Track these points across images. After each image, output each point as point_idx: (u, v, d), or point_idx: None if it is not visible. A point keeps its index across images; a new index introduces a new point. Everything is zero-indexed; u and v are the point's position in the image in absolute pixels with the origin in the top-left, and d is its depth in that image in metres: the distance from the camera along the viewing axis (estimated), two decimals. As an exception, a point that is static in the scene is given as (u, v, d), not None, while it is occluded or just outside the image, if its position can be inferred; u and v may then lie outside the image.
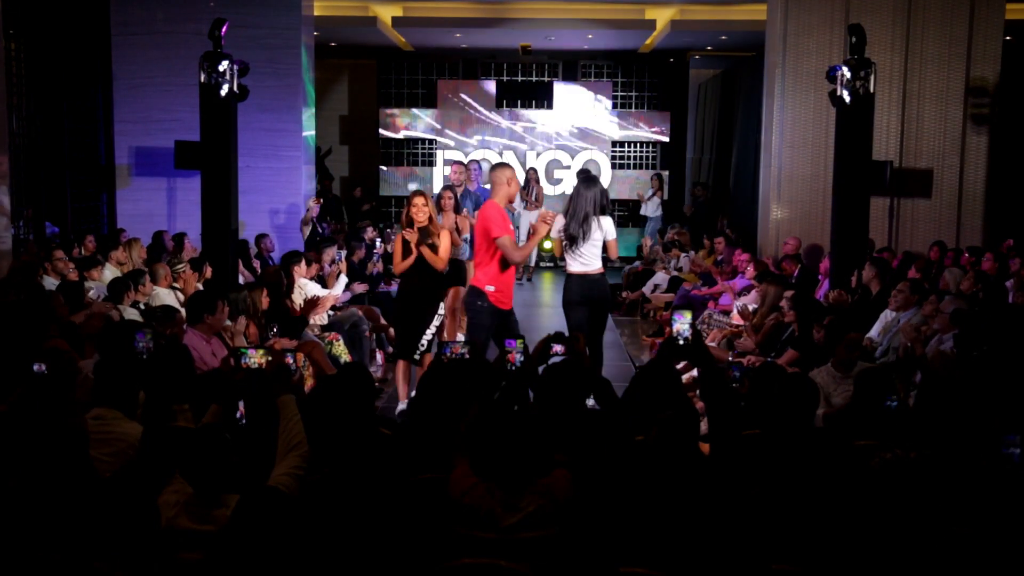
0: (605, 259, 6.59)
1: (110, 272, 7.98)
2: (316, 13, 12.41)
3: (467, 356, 4.23)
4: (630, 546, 3.11)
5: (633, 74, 17.16)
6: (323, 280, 8.64)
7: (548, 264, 15.86)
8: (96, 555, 2.83)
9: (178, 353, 4.42)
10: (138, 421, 3.99)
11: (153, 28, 11.11)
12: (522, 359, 4.11)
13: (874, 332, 6.81)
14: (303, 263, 8.05)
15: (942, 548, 3.05)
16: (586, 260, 6.50)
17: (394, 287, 10.06)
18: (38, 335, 5.34)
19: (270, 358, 3.67)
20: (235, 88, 8.08)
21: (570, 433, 3.77)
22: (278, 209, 11.54)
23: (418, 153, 17.15)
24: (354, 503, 3.26)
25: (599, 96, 16.92)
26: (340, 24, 13.77)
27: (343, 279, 8.48)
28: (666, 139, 17.04)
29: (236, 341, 6.07)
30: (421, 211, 6.67)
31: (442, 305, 7.02)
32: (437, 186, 15.38)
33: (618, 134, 16.93)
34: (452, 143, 16.85)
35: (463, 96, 16.90)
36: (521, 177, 14.06)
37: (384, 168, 17.01)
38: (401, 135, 16.94)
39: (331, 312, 7.90)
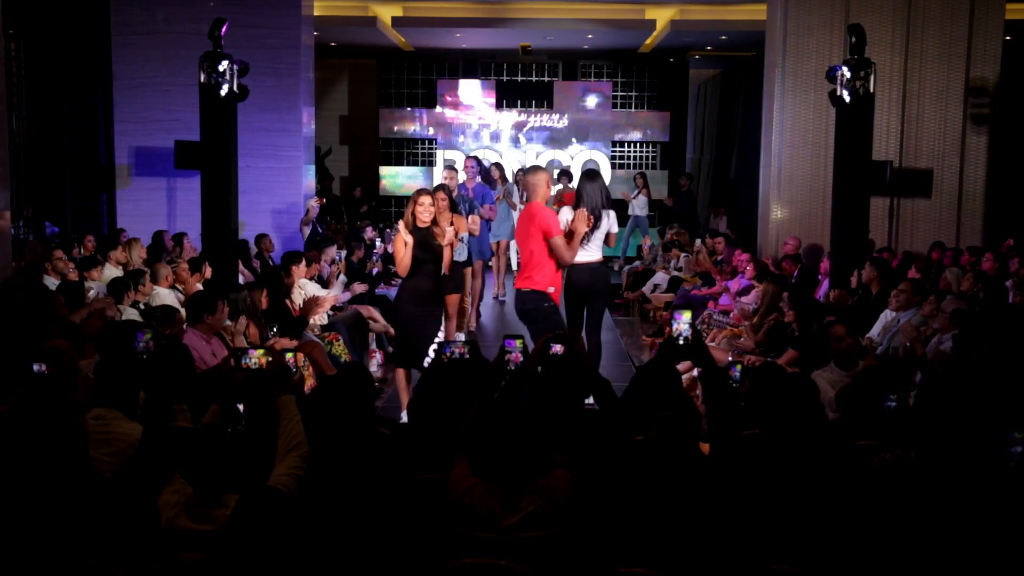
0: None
1: (110, 272, 7.98)
2: (316, 13, 12.41)
3: (467, 356, 4.23)
4: (630, 546, 3.11)
5: (633, 74, 17.17)
6: (323, 280, 8.64)
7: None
8: (96, 555, 2.83)
9: (178, 353, 4.42)
10: (138, 421, 3.99)
11: (153, 28, 11.11)
12: (522, 359, 4.11)
13: (874, 332, 6.81)
14: (303, 263, 8.05)
15: (942, 548, 3.05)
16: (590, 251, 6.64)
17: (393, 288, 10.07)
18: (39, 335, 5.34)
19: (270, 359, 3.67)
20: (235, 88, 8.08)
21: (570, 433, 3.78)
22: (278, 209, 11.54)
23: (418, 153, 17.15)
24: (354, 503, 3.26)
25: (599, 96, 16.91)
26: (340, 24, 13.78)
27: (343, 279, 8.48)
28: (666, 139, 17.04)
29: (236, 341, 6.07)
30: (427, 211, 6.49)
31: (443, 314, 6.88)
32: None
33: (618, 134, 16.93)
34: (452, 143, 16.85)
35: (463, 96, 16.90)
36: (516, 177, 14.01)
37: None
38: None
39: (331, 312, 7.90)
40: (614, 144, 16.99)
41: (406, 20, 14.15)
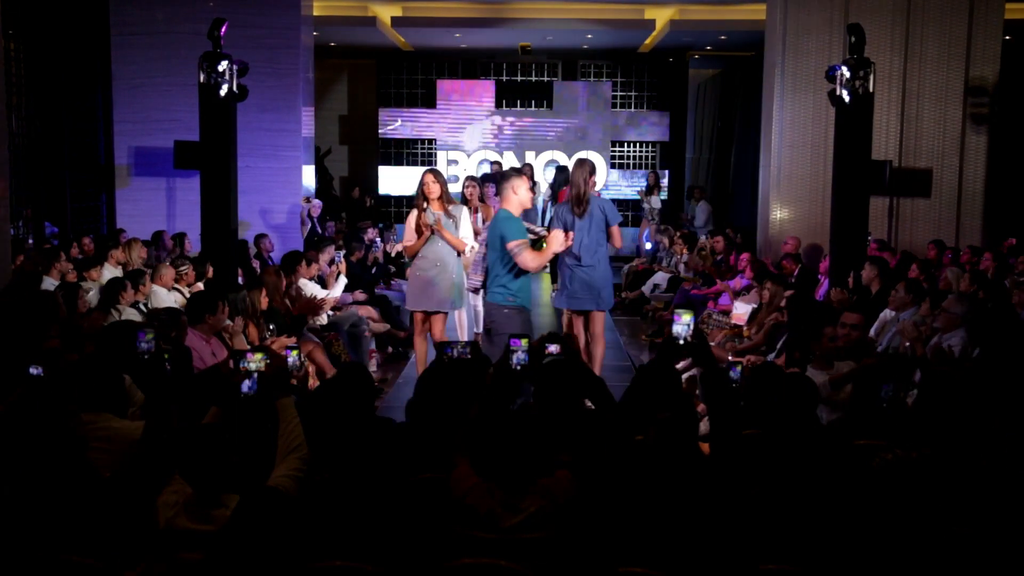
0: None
1: (109, 272, 7.98)
2: (316, 13, 12.41)
3: (468, 356, 4.23)
4: (630, 546, 3.11)
5: (632, 74, 17.17)
6: (323, 280, 8.64)
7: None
8: (95, 555, 2.83)
9: (180, 355, 4.42)
10: (132, 420, 3.98)
11: (153, 28, 11.11)
12: (526, 359, 4.11)
13: (873, 332, 6.81)
14: (303, 263, 8.05)
15: (942, 548, 3.05)
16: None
17: (393, 289, 10.07)
18: (37, 336, 5.34)
19: (269, 361, 3.67)
20: (235, 88, 8.08)
21: (569, 433, 3.77)
22: (278, 209, 11.54)
23: (418, 153, 17.15)
24: (354, 503, 3.26)
25: (598, 96, 16.92)
26: (340, 24, 13.77)
27: (343, 279, 8.48)
28: (665, 139, 17.05)
29: (235, 340, 6.07)
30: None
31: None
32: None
33: (617, 134, 16.94)
34: (452, 143, 16.86)
35: (462, 96, 16.90)
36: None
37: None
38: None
39: (331, 312, 7.90)
40: (613, 144, 16.99)
41: (406, 20, 14.15)
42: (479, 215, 8.17)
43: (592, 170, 6.71)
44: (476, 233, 7.51)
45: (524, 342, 4.19)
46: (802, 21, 10.57)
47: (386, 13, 14.04)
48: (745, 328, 7.89)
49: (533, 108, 17.00)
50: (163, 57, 11.03)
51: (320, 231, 11.70)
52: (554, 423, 3.76)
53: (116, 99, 11.28)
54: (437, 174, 7.09)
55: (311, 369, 6.48)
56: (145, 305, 6.98)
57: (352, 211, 15.61)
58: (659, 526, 3.12)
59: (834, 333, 5.44)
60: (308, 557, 3.01)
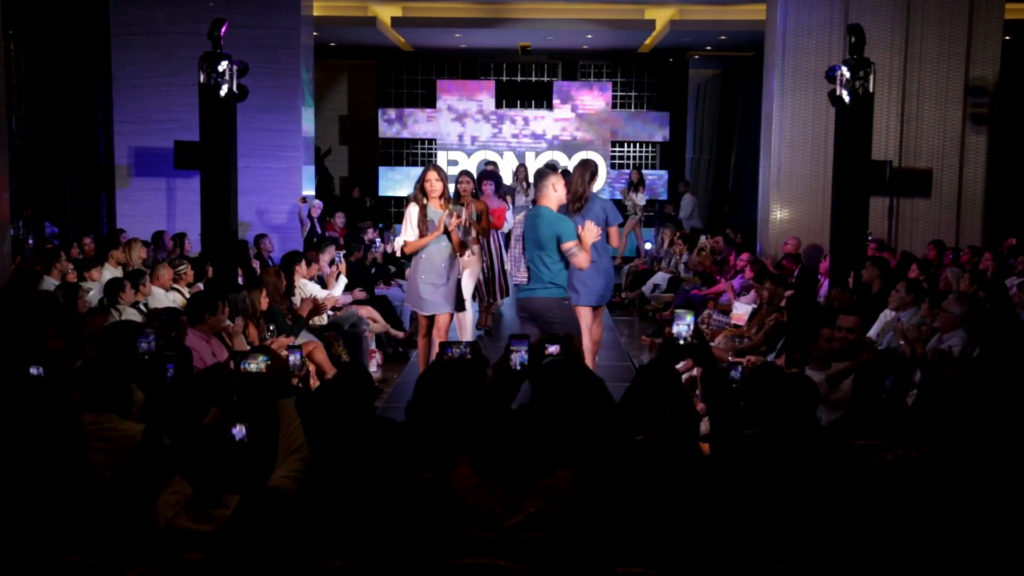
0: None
1: (109, 272, 7.98)
2: (316, 13, 12.41)
3: (468, 356, 4.23)
4: (630, 546, 3.11)
5: (632, 74, 17.17)
6: (323, 280, 8.64)
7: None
8: (95, 554, 2.83)
9: (180, 356, 4.41)
10: (134, 421, 3.98)
11: (153, 28, 11.12)
12: (526, 359, 4.10)
13: (874, 332, 6.81)
14: (303, 263, 8.04)
15: (942, 548, 3.05)
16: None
17: (393, 289, 10.07)
18: (37, 337, 5.34)
19: (270, 362, 3.67)
20: (235, 88, 8.07)
21: (569, 433, 3.77)
22: (278, 209, 11.55)
23: (418, 153, 17.15)
24: (354, 503, 3.26)
25: (598, 96, 16.92)
26: (340, 24, 13.78)
27: (343, 280, 8.48)
28: (665, 139, 17.05)
29: (235, 341, 6.07)
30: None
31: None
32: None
33: (617, 134, 16.94)
34: (452, 143, 16.85)
35: (462, 96, 16.90)
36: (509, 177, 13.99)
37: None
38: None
39: (331, 312, 7.90)
40: (613, 144, 16.99)
41: (406, 20, 14.15)
42: (472, 210, 7.96)
43: (594, 172, 6.77)
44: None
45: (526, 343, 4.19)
46: (802, 21, 10.58)
47: (386, 13, 14.04)
48: (745, 328, 7.90)
49: (533, 108, 17.00)
50: (163, 57, 11.04)
51: (320, 231, 11.70)
52: (554, 423, 3.75)
53: (116, 99, 11.29)
54: (440, 171, 6.87)
55: (311, 369, 6.48)
56: (145, 305, 6.98)
57: (352, 211, 15.62)
58: (659, 526, 3.12)
59: (831, 334, 5.44)
60: (308, 557, 3.01)
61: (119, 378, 4.01)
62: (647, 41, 15.41)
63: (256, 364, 3.56)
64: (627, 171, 16.91)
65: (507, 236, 9.61)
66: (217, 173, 8.11)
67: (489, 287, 8.88)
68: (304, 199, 11.43)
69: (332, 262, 8.86)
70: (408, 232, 6.87)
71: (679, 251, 11.56)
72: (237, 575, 2.76)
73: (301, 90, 11.51)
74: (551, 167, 7.00)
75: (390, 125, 17.03)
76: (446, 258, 6.79)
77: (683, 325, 4.05)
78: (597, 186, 7.14)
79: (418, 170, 16.81)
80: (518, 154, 16.62)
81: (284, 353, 4.28)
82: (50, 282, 7.47)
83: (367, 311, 8.45)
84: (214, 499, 3.13)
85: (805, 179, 10.69)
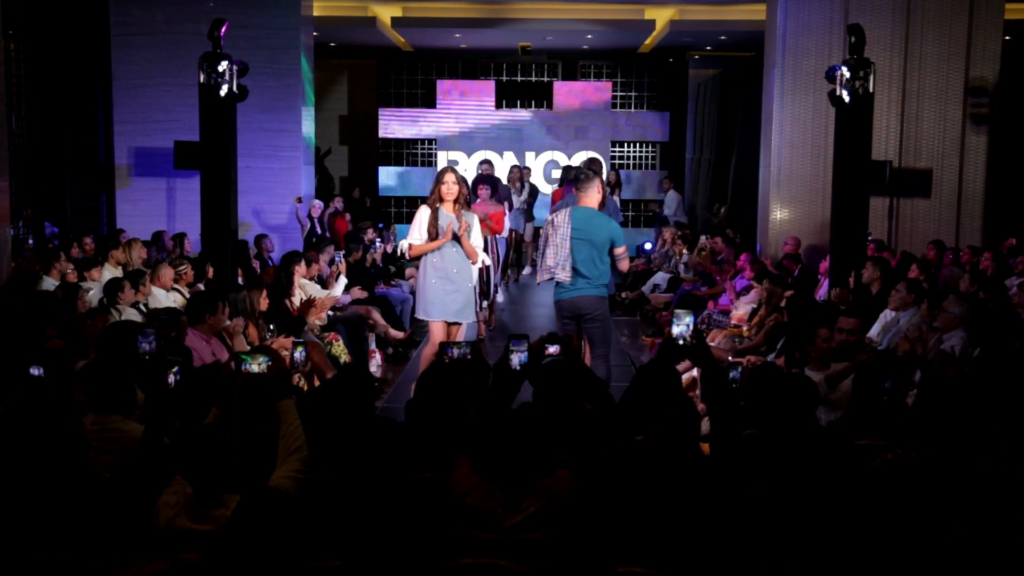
0: None
1: (109, 272, 7.98)
2: (316, 13, 12.41)
3: (468, 356, 4.23)
4: (630, 546, 3.11)
5: (632, 74, 17.17)
6: (323, 280, 8.64)
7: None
8: (94, 555, 2.83)
9: (180, 355, 4.41)
10: (136, 421, 3.99)
11: (153, 28, 11.12)
12: (525, 359, 4.10)
13: (874, 332, 6.82)
14: (303, 263, 8.04)
15: (942, 548, 3.05)
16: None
17: (393, 289, 10.07)
18: (36, 337, 5.34)
19: (271, 363, 3.67)
20: (234, 88, 8.07)
21: (569, 433, 3.78)
22: (278, 210, 11.55)
23: (418, 153, 17.15)
24: (354, 503, 3.26)
25: (598, 96, 16.91)
26: (340, 24, 13.77)
27: (343, 280, 8.48)
28: (665, 139, 17.05)
29: (235, 341, 6.07)
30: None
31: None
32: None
33: (617, 134, 16.94)
34: (452, 143, 16.85)
35: (462, 96, 16.90)
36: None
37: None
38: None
39: (331, 312, 7.90)
40: (613, 144, 16.98)
41: (406, 20, 14.14)
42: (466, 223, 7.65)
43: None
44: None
45: (525, 343, 4.19)
46: (802, 21, 10.58)
47: (386, 13, 14.04)
48: (745, 328, 7.90)
49: (533, 108, 17.00)
50: (163, 57, 11.04)
51: (320, 231, 11.70)
52: (554, 423, 3.76)
53: (116, 99, 11.29)
54: (458, 174, 6.63)
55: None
56: (145, 305, 6.98)
57: (352, 211, 15.62)
58: (659, 526, 3.12)
59: (828, 335, 5.44)
60: (308, 557, 3.01)
61: (122, 379, 4.02)
62: (647, 41, 15.41)
63: (257, 365, 3.56)
64: (639, 171, 16.92)
65: (506, 238, 9.62)
66: (217, 173, 8.11)
67: (483, 289, 8.82)
68: (299, 199, 11.42)
69: (332, 262, 8.86)
70: (415, 235, 6.62)
71: (679, 251, 11.56)
72: (237, 575, 2.76)
73: (301, 90, 11.51)
74: (594, 169, 7.00)
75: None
76: (457, 263, 6.57)
77: (683, 325, 4.05)
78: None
79: (419, 171, 16.92)
80: (518, 155, 16.62)
81: (285, 352, 4.28)
82: (50, 282, 7.47)
83: (367, 311, 8.46)
84: (214, 499, 3.13)
85: (805, 179, 10.69)
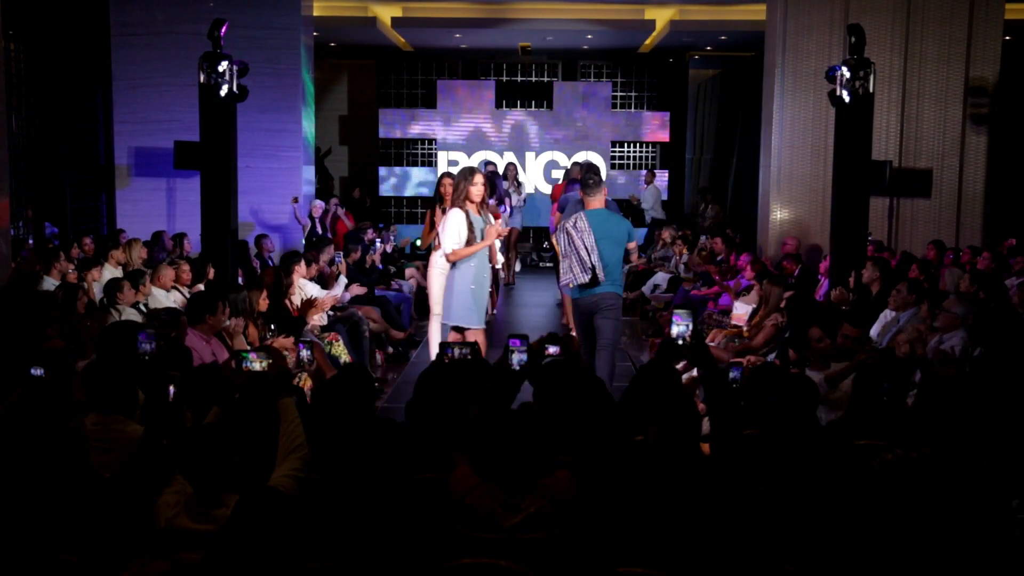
0: None
1: (109, 272, 7.98)
2: (316, 13, 12.41)
3: (468, 357, 4.23)
4: (630, 546, 3.11)
5: (632, 74, 17.17)
6: (323, 280, 8.64)
7: (548, 264, 15.86)
8: (94, 555, 2.83)
9: (179, 355, 4.42)
10: (137, 422, 3.99)
11: (153, 29, 11.13)
12: (525, 359, 4.10)
13: (874, 332, 6.82)
14: (303, 263, 8.04)
15: (942, 548, 3.05)
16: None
17: (393, 290, 10.06)
18: (36, 338, 5.34)
19: (271, 361, 3.67)
20: (235, 88, 8.08)
21: (569, 433, 3.78)
22: (278, 210, 11.55)
23: (418, 153, 17.15)
24: (354, 503, 3.26)
25: (598, 96, 16.91)
26: (340, 24, 13.78)
27: (343, 280, 8.48)
28: (665, 139, 17.05)
29: (235, 341, 6.07)
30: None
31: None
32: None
33: (617, 134, 16.94)
34: (452, 144, 16.85)
35: (462, 96, 16.89)
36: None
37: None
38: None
39: (331, 312, 7.90)
40: (613, 145, 16.98)
41: (406, 20, 14.14)
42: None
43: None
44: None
45: (524, 342, 4.19)
46: (802, 21, 10.58)
47: (386, 13, 14.04)
48: (745, 328, 7.90)
49: (533, 108, 17.00)
50: (163, 57, 11.04)
51: (322, 231, 11.69)
52: (554, 423, 3.76)
53: (116, 99, 11.29)
54: (484, 175, 6.63)
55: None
56: (145, 306, 6.98)
57: (352, 211, 15.61)
58: (659, 526, 3.12)
59: (821, 335, 5.44)
60: (308, 557, 3.01)
61: (123, 379, 4.02)
62: (647, 41, 15.41)
63: (258, 363, 3.57)
64: (641, 171, 16.92)
65: (508, 238, 9.63)
66: (217, 173, 8.12)
67: (492, 296, 8.88)
68: (296, 199, 11.42)
69: (332, 262, 8.87)
70: (455, 238, 6.40)
71: (679, 251, 11.56)
72: (237, 575, 2.76)
73: (301, 90, 11.51)
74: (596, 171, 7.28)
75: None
76: (487, 266, 6.56)
77: (682, 325, 4.05)
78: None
79: (418, 171, 16.91)
80: (518, 155, 16.62)
81: (288, 352, 4.28)
82: (50, 282, 7.47)
83: (367, 311, 8.46)
84: (214, 499, 3.13)
85: (805, 179, 10.69)
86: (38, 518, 3.10)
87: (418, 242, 6.85)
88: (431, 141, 17.00)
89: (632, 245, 6.57)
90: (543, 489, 3.23)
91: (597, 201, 6.56)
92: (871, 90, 8.01)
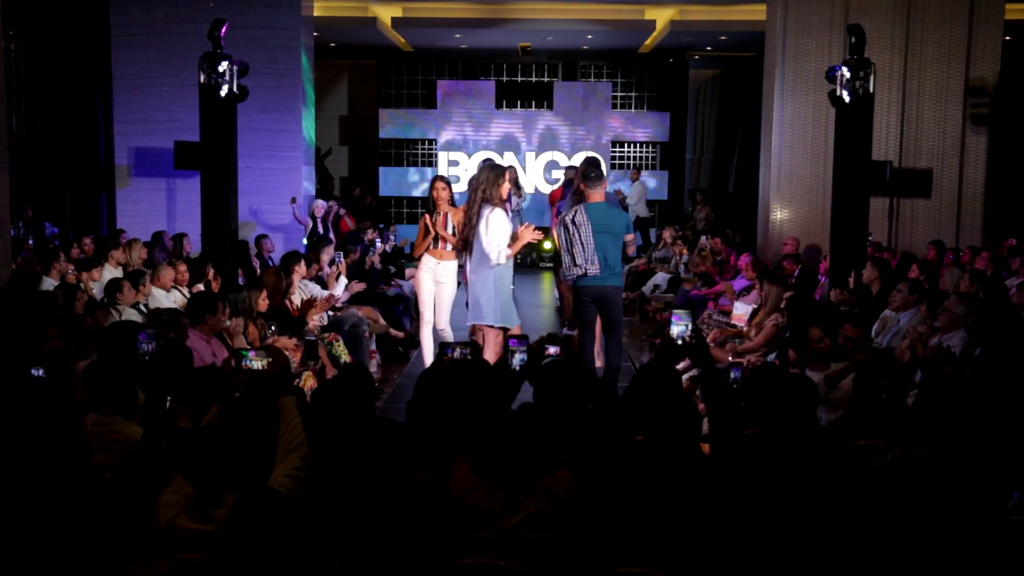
0: None
1: (109, 272, 7.98)
2: (316, 13, 12.41)
3: (468, 357, 4.23)
4: (630, 546, 3.11)
5: (633, 74, 17.18)
6: (323, 280, 8.63)
7: (548, 264, 15.86)
8: (95, 555, 2.83)
9: (180, 355, 4.41)
10: (137, 422, 3.99)
11: (153, 29, 11.13)
12: (525, 359, 4.10)
13: (873, 332, 6.81)
14: (303, 263, 8.04)
15: (942, 548, 3.05)
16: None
17: (393, 290, 10.06)
18: (36, 338, 5.34)
19: (271, 359, 3.67)
20: (235, 88, 8.08)
21: (569, 433, 3.78)
22: (278, 210, 11.54)
23: (418, 153, 17.15)
24: (354, 503, 3.26)
25: (598, 96, 16.91)
26: (340, 24, 13.78)
27: (343, 280, 8.48)
28: (665, 139, 17.05)
29: (235, 341, 6.07)
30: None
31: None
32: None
33: (617, 134, 16.94)
34: (452, 144, 16.85)
35: (462, 96, 16.90)
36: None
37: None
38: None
39: (331, 312, 7.90)
40: (613, 145, 16.99)
41: (406, 20, 14.15)
42: (449, 219, 7.32)
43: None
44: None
45: (524, 343, 4.19)
46: (802, 21, 10.58)
47: (386, 13, 14.04)
48: (745, 328, 7.90)
49: (533, 109, 17.00)
50: (163, 57, 11.04)
51: (323, 231, 11.68)
52: (554, 423, 3.76)
53: (116, 99, 11.29)
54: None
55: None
56: (146, 306, 6.98)
57: (353, 212, 15.60)
58: (659, 526, 3.12)
59: (820, 335, 5.44)
60: (307, 557, 3.01)
61: (124, 379, 4.02)
62: (647, 41, 15.41)
63: (258, 361, 3.57)
64: (627, 172, 16.94)
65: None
66: (217, 173, 8.12)
67: None
68: (294, 199, 11.42)
69: (332, 262, 8.86)
70: (504, 240, 6.59)
71: (679, 251, 11.56)
72: (236, 575, 2.76)
73: (301, 90, 11.51)
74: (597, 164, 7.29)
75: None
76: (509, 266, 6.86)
77: (682, 325, 4.05)
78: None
79: (418, 171, 16.90)
80: (519, 155, 16.62)
81: (290, 352, 4.28)
82: (50, 282, 7.47)
83: (367, 311, 8.46)
84: (214, 499, 3.13)
85: (805, 179, 10.69)
86: (38, 518, 3.10)
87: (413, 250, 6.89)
88: (431, 141, 17.00)
89: (630, 237, 6.75)
90: (543, 489, 3.23)
91: (598, 194, 6.68)
92: (871, 90, 8.01)
